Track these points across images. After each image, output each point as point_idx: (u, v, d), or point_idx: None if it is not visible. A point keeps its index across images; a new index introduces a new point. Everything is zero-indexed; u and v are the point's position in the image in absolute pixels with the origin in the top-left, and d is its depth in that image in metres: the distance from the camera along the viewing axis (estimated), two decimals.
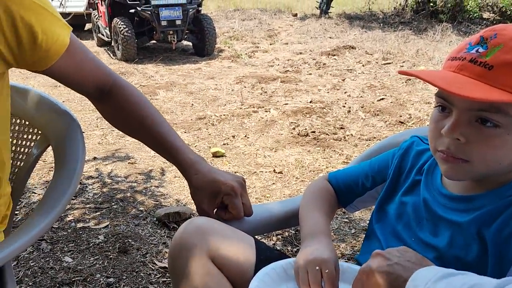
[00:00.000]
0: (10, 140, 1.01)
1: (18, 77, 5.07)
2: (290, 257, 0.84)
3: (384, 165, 0.88)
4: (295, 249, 1.91)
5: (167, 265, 1.76)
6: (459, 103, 0.65)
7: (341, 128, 3.36)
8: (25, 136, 1.00)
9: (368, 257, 0.80)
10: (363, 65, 5.46)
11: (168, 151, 0.94)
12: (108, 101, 0.96)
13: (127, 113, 0.95)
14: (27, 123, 1.00)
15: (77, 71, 0.89)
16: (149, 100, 1.01)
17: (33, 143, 0.99)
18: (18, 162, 1.00)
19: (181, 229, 0.82)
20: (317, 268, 0.73)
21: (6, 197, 0.94)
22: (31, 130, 1.00)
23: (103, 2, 6.37)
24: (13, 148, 1.02)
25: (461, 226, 0.70)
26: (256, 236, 0.93)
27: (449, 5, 8.75)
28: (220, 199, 0.91)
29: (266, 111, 3.76)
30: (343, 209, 0.98)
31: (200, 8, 6.42)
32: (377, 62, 5.54)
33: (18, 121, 1.02)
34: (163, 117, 0.98)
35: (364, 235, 2.02)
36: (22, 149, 1.00)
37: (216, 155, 2.88)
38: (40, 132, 0.98)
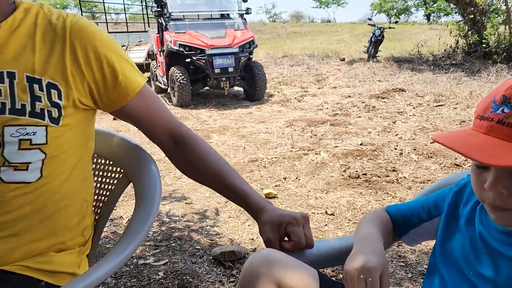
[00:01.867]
0: (96, 178, 1.15)
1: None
2: None
3: (440, 198, 0.92)
4: None
5: None
6: None
7: (393, 170, 3.34)
8: (109, 175, 1.13)
9: None
10: (414, 108, 5.43)
11: (240, 197, 1.04)
12: (181, 153, 1.05)
13: (200, 166, 1.05)
14: (111, 162, 1.13)
15: (149, 113, 1.00)
16: (215, 151, 1.10)
17: (116, 180, 1.11)
18: (103, 198, 1.12)
19: (249, 259, 0.88)
20: (361, 277, 0.76)
21: (89, 227, 1.06)
22: (114, 169, 1.13)
23: (161, 53, 6.85)
24: (99, 185, 1.15)
25: None
26: None
27: (503, 45, 8.58)
28: (284, 228, 0.98)
29: (316, 154, 3.82)
30: (398, 248, 1.00)
31: (251, 56, 6.72)
32: (428, 104, 5.49)
33: (103, 161, 1.16)
34: (230, 165, 1.07)
35: (421, 279, 1.98)
36: (107, 186, 1.12)
37: (268, 196, 2.95)
38: (122, 170, 1.11)
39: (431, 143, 3.95)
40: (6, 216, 0.86)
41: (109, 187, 1.11)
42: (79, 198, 0.99)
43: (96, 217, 1.11)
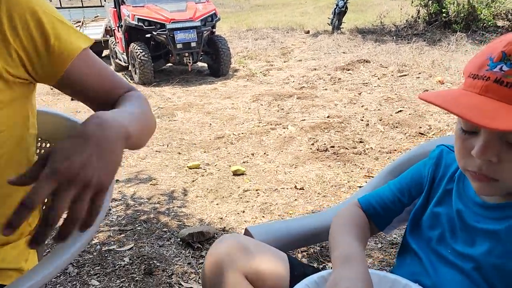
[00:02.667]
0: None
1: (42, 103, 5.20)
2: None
3: (418, 177, 0.86)
4: (321, 266, 1.88)
5: (193, 286, 1.75)
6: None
7: (360, 142, 3.33)
8: None
9: (405, 271, 0.78)
10: (378, 78, 5.44)
11: None
12: None
13: None
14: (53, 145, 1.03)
15: (94, 81, 0.85)
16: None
17: None
18: None
19: (213, 247, 0.81)
20: None
21: (36, 215, 0.96)
22: None
23: (120, 29, 6.54)
24: None
25: (498, 234, 0.68)
26: None
27: (462, 14, 8.71)
28: None
29: (284, 128, 3.77)
30: (381, 233, 0.92)
31: (214, 30, 6.53)
32: (392, 75, 5.52)
33: (48, 145, 1.04)
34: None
35: (391, 249, 1.98)
36: None
37: (236, 173, 2.89)
38: None
39: (397, 112, 3.97)
40: None
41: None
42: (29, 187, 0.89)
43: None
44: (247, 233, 0.89)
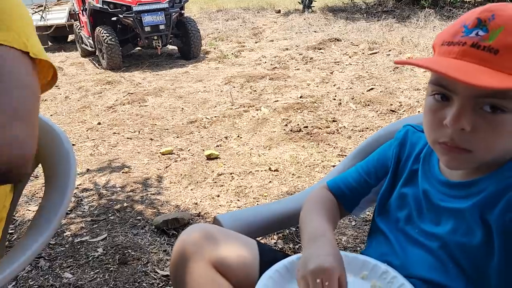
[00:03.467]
0: None
1: None
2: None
3: (383, 158, 0.86)
4: (297, 246, 1.90)
5: (169, 273, 1.74)
6: (462, 90, 0.61)
7: (333, 121, 3.35)
8: None
9: (374, 251, 0.79)
10: (350, 57, 5.46)
11: None
12: None
13: None
14: None
15: None
16: None
17: None
18: None
19: (181, 237, 0.79)
20: (318, 281, 0.67)
21: (3, 219, 0.92)
22: None
23: (84, 12, 6.31)
24: None
25: (463, 212, 0.69)
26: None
27: None
28: None
29: (257, 110, 3.75)
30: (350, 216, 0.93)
31: (182, 12, 6.38)
32: (363, 53, 5.55)
33: None
34: None
35: (365, 226, 2.02)
36: None
37: (210, 157, 2.86)
38: None
39: (368, 90, 4.00)
40: None
41: None
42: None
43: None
44: (216, 222, 0.88)
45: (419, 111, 3.42)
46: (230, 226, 0.83)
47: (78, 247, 1.99)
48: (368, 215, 2.10)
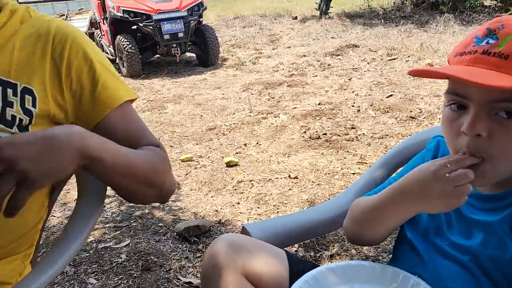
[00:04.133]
0: None
1: None
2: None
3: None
4: (318, 255, 1.90)
5: (191, 280, 1.76)
6: (476, 96, 0.63)
7: (352, 128, 3.34)
8: None
9: (403, 263, 0.79)
10: (368, 63, 5.44)
11: None
12: None
13: None
14: None
15: (126, 134, 0.85)
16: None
17: None
18: None
19: (212, 247, 0.81)
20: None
21: (40, 229, 0.96)
22: None
23: (105, 21, 6.43)
24: None
25: (493, 226, 0.69)
26: None
27: None
28: None
29: (276, 117, 3.76)
30: None
31: (201, 19, 6.45)
32: (382, 59, 5.51)
33: None
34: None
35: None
36: None
37: (230, 164, 2.88)
38: None
39: (387, 97, 3.98)
40: None
41: None
42: (37, 204, 0.88)
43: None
44: (244, 231, 0.89)
45: (439, 118, 3.39)
46: (258, 235, 0.84)
47: (102, 253, 2.03)
48: None
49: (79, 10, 9.04)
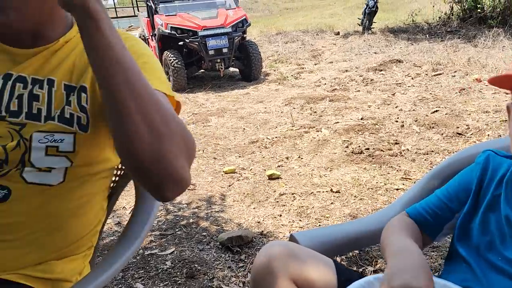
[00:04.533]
0: None
1: None
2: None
3: (466, 182, 0.85)
4: (360, 270, 1.89)
5: (249, 285, 1.79)
6: None
7: (396, 143, 3.30)
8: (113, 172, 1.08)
9: (455, 277, 0.78)
10: (412, 78, 5.35)
11: None
12: None
13: None
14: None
15: None
16: None
17: (118, 177, 1.07)
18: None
19: (264, 251, 0.84)
20: None
21: (99, 232, 1.03)
22: (118, 166, 1.09)
23: (153, 38, 6.71)
24: None
25: None
26: None
27: (499, 9, 8.42)
28: None
29: (318, 131, 3.77)
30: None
31: (245, 35, 6.59)
32: (426, 74, 5.41)
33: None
34: None
35: (432, 253, 1.96)
36: (111, 184, 1.08)
37: (272, 177, 2.92)
38: (123, 167, 1.06)
39: (433, 112, 3.90)
40: (20, 218, 0.82)
41: (112, 184, 1.07)
42: (99, 205, 0.95)
43: None
44: (292, 239, 0.92)
45: (488, 135, 3.29)
46: (306, 244, 0.86)
47: (149, 259, 2.11)
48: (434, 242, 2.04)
49: (129, 27, 9.48)
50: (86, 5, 0.63)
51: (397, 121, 3.80)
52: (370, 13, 9.48)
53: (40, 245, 0.86)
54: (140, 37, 8.40)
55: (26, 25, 0.80)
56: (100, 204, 0.98)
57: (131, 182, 1.10)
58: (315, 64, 7.25)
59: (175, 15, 6.29)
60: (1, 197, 0.80)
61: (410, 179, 2.70)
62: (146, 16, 7.08)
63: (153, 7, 6.53)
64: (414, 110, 4.09)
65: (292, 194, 2.66)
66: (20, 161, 0.80)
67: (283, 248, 0.82)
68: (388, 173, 2.82)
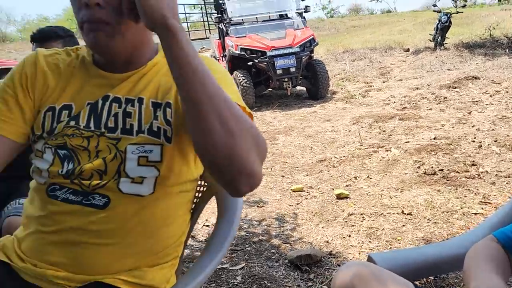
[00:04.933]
0: None
1: None
2: None
3: None
4: None
5: None
6: None
7: (473, 165, 3.14)
8: (196, 188, 1.16)
9: None
10: (490, 96, 5.08)
11: None
12: None
13: None
14: (199, 177, 1.18)
15: None
16: None
17: (201, 194, 1.14)
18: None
19: (343, 271, 0.86)
20: None
21: (183, 242, 1.10)
22: (201, 183, 1.16)
23: (224, 58, 6.98)
24: None
25: None
26: None
27: None
28: None
29: (387, 151, 3.69)
30: None
31: (312, 54, 6.66)
32: (507, 91, 5.10)
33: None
34: None
35: None
36: (194, 200, 1.16)
37: (340, 196, 2.90)
38: (207, 184, 1.13)
39: None
40: (117, 224, 0.92)
41: (195, 200, 1.15)
42: (183, 217, 1.03)
43: None
44: (370, 260, 0.93)
45: None
46: (385, 266, 0.87)
47: (220, 273, 2.18)
48: None
49: (201, 49, 9.93)
50: (166, 23, 0.77)
51: (474, 141, 3.61)
52: (443, 28, 9.15)
53: (135, 251, 0.95)
54: None
55: (125, 50, 0.93)
56: (184, 216, 1.06)
57: (212, 199, 1.17)
58: (384, 82, 7.12)
59: (245, 36, 6.51)
60: (102, 204, 0.91)
61: (490, 203, 2.56)
62: (217, 38, 7.39)
63: (224, 29, 6.81)
64: (493, 129, 3.87)
65: (361, 214, 2.63)
66: (116, 172, 0.91)
67: (365, 269, 0.83)
68: (465, 196, 2.69)
